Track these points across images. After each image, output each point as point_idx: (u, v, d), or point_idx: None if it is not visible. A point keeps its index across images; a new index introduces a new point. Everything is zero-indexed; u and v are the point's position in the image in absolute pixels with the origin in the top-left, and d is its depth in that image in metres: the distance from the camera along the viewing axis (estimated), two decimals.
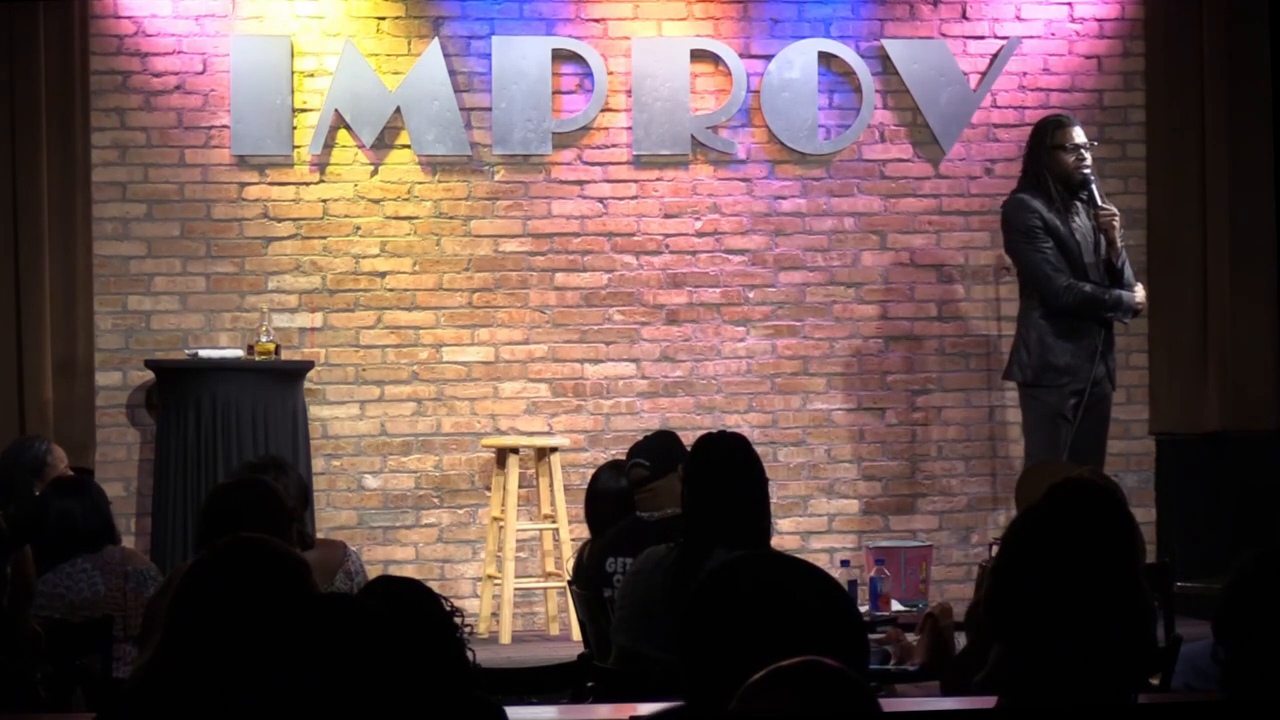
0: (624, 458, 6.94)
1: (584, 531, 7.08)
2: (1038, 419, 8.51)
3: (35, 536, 5.78)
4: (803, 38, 9.82)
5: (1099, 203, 8.45)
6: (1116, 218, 8.47)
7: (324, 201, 9.59)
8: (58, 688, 5.32)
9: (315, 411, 9.47)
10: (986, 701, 4.11)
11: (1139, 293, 8.55)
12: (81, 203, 9.36)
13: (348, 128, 9.57)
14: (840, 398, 9.85)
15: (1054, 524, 3.18)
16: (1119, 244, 8.46)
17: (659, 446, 6.18)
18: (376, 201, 9.62)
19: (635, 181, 9.77)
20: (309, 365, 9.40)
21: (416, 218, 9.63)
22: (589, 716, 4.94)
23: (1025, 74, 9.96)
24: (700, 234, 9.80)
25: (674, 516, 5.70)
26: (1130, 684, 3.16)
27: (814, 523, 9.81)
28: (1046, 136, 8.46)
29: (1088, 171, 8.45)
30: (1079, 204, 8.48)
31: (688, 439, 6.10)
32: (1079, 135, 8.45)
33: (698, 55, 9.76)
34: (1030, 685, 3.10)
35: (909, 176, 9.93)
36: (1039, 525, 3.20)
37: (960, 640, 5.47)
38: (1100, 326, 8.46)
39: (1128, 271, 8.53)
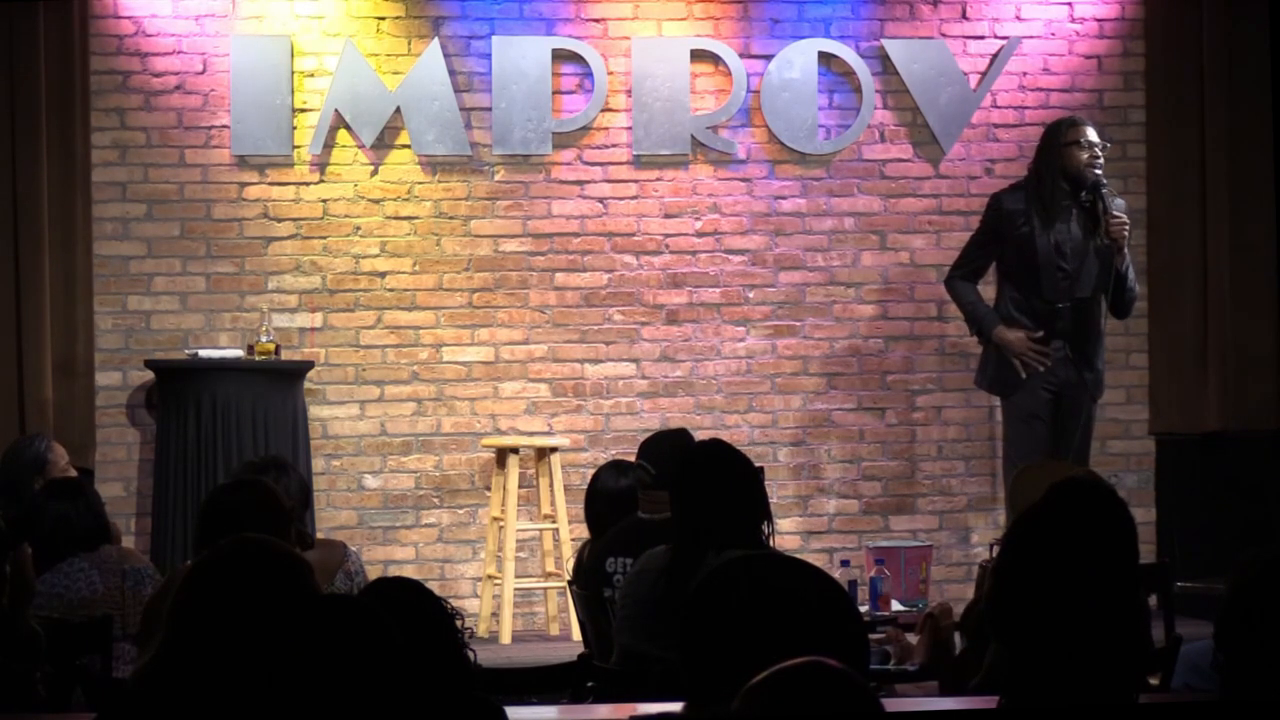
0: (624, 457, 6.94)
1: (584, 531, 7.08)
2: (1011, 420, 8.50)
3: (31, 539, 5.78)
4: (803, 38, 9.82)
5: (1111, 211, 8.35)
6: (1127, 226, 8.38)
7: (324, 201, 9.60)
8: (58, 688, 5.32)
9: (315, 411, 9.48)
10: (987, 701, 4.11)
11: (1010, 335, 8.34)
12: (81, 203, 9.36)
13: (348, 128, 9.57)
14: (840, 398, 9.85)
15: (1057, 523, 3.17)
16: (1125, 252, 8.39)
17: (667, 453, 6.14)
18: (376, 201, 9.62)
19: (635, 181, 9.77)
20: (309, 365, 9.40)
21: (416, 218, 9.64)
22: (589, 716, 4.94)
23: (1025, 74, 9.97)
24: (700, 234, 9.80)
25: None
26: (1130, 684, 3.16)
27: (814, 523, 9.81)
28: (1060, 134, 8.40)
29: (1099, 172, 8.39)
30: (1077, 210, 8.38)
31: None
32: (1093, 135, 8.40)
33: (698, 55, 9.76)
34: (1031, 685, 3.10)
35: (909, 176, 9.93)
36: (1041, 524, 3.19)
37: (960, 640, 5.48)
38: (1062, 337, 8.37)
39: (1130, 275, 8.49)
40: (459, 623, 3.78)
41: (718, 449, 5.37)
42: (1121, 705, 3.09)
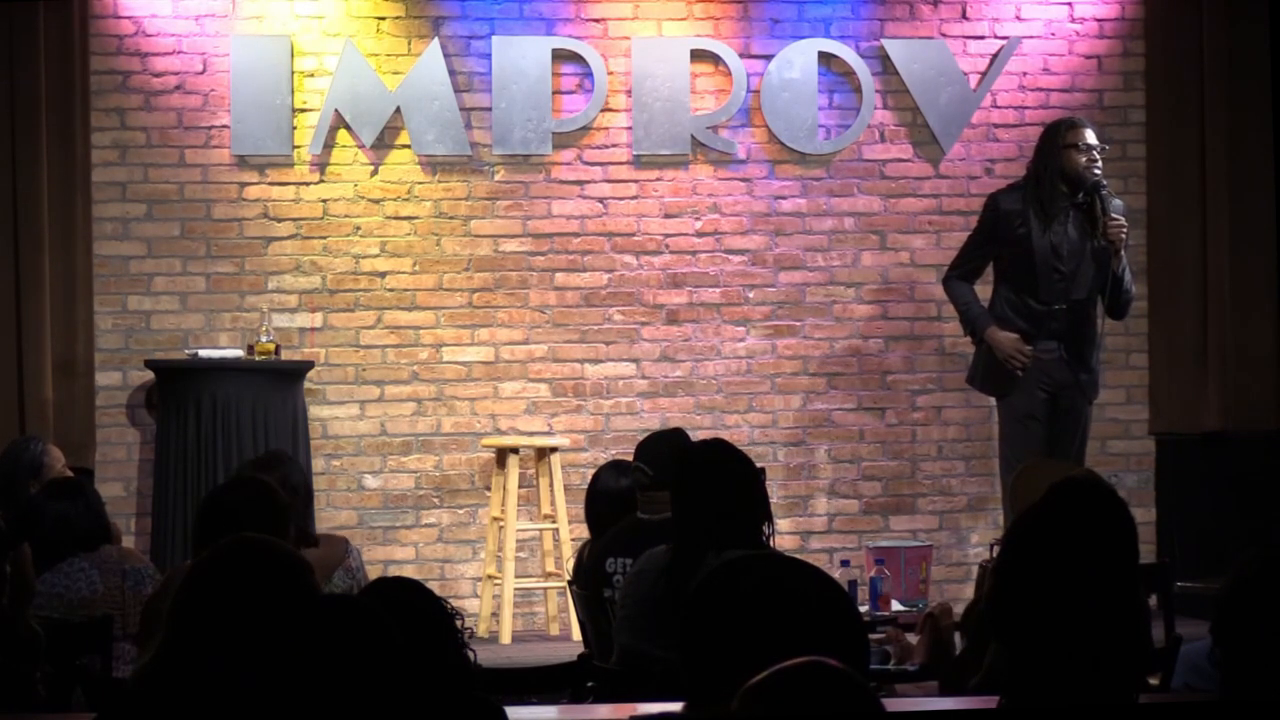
0: (625, 457, 6.93)
1: (584, 531, 7.08)
2: (1007, 421, 8.49)
3: (31, 539, 5.77)
4: (803, 38, 9.82)
5: (1110, 213, 8.33)
6: (1125, 229, 8.36)
7: (324, 201, 9.60)
8: (58, 688, 5.32)
9: (315, 411, 9.48)
10: (987, 701, 4.11)
11: (1001, 335, 8.30)
12: (81, 203, 9.36)
13: (348, 128, 9.57)
14: (840, 398, 9.85)
15: (1058, 523, 3.17)
16: (1122, 254, 8.37)
17: (665, 453, 6.14)
18: (376, 201, 9.62)
19: (635, 181, 9.77)
20: (309, 365, 9.40)
21: (416, 218, 9.64)
22: (589, 716, 4.94)
23: (1025, 74, 9.97)
24: (700, 234, 9.80)
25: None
26: (1130, 684, 3.16)
27: (814, 523, 9.81)
28: (1059, 136, 8.36)
29: (1099, 174, 8.37)
30: (1074, 211, 8.35)
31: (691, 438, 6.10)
32: (1091, 137, 8.38)
33: (698, 55, 9.76)
34: (1031, 685, 3.09)
35: (909, 176, 9.93)
36: (1042, 524, 3.19)
37: (960, 640, 5.47)
38: (1058, 339, 8.35)
39: (1127, 278, 8.47)
40: (459, 623, 3.77)
41: (719, 449, 5.36)
42: (1121, 705, 3.09)
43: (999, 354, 8.36)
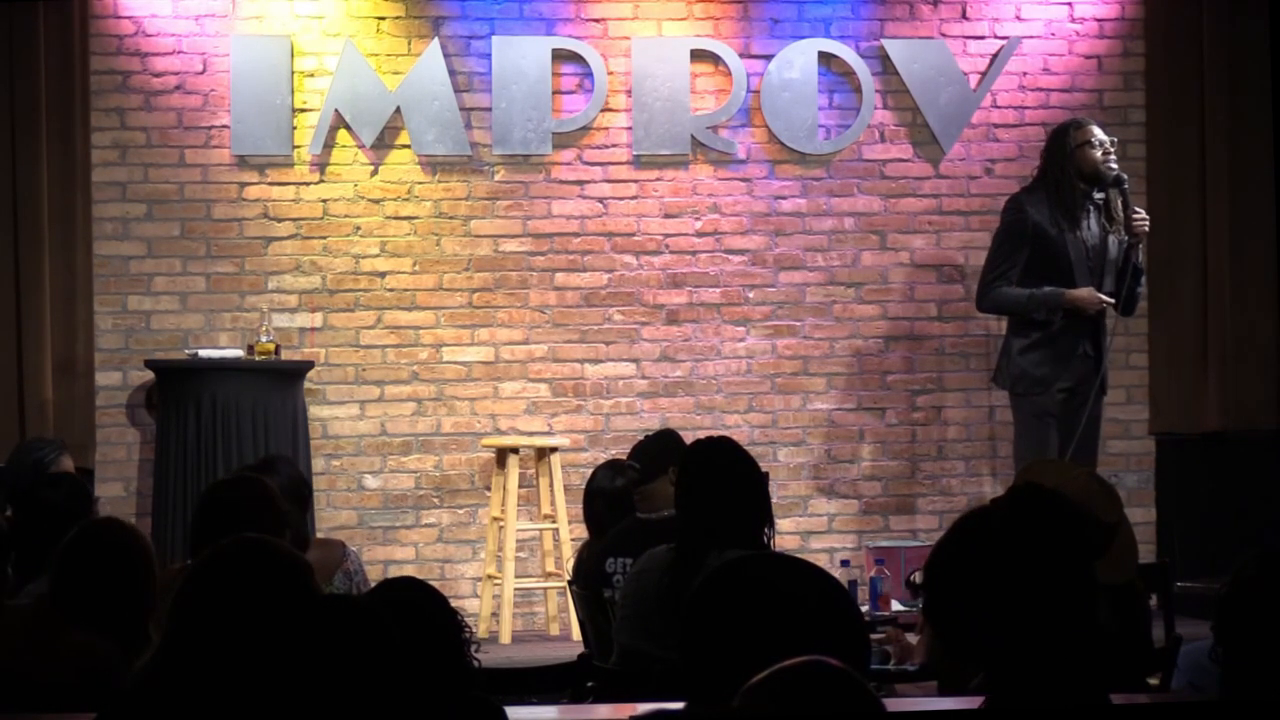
0: (623, 457, 6.96)
1: (584, 531, 7.08)
2: (1025, 419, 8.48)
3: (33, 535, 5.73)
4: (803, 38, 9.82)
5: (1133, 207, 8.41)
6: (1148, 222, 8.44)
7: (324, 201, 9.60)
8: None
9: (315, 411, 9.48)
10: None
11: (1077, 293, 8.29)
12: (81, 203, 9.36)
13: (348, 128, 9.57)
14: (840, 398, 9.85)
15: (992, 526, 2.99)
16: (1140, 248, 8.42)
17: (651, 449, 6.17)
18: (376, 201, 9.62)
19: (635, 181, 9.77)
20: (309, 365, 9.40)
21: (416, 218, 9.64)
22: (589, 716, 4.94)
23: (1025, 74, 9.97)
24: (700, 234, 9.80)
25: (673, 517, 5.69)
26: (1094, 687, 3.05)
27: (814, 523, 9.81)
28: (1068, 137, 8.40)
29: (1116, 168, 8.43)
30: (1092, 208, 8.40)
31: (688, 439, 6.10)
32: (1100, 132, 8.43)
33: (698, 55, 9.76)
34: (1003, 691, 3.00)
35: (909, 176, 9.93)
36: (978, 526, 3.03)
37: None
38: (1082, 334, 8.36)
39: (1144, 271, 8.53)
40: (466, 633, 3.76)
41: (724, 448, 5.35)
42: (1118, 706, 3.06)
43: (1088, 309, 8.31)
